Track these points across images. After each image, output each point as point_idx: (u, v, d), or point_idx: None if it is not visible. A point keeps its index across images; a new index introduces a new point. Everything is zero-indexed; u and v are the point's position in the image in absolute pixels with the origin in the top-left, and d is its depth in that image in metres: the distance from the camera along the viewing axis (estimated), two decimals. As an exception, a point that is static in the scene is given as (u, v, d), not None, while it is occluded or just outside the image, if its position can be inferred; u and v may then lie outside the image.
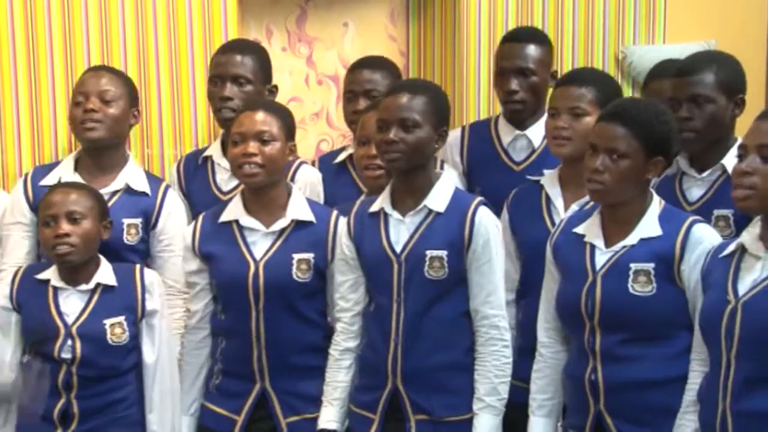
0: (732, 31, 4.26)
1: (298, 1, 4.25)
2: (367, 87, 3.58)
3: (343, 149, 3.67)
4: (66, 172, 3.39)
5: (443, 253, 2.95)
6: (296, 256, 3.11)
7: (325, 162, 3.64)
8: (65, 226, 3.05)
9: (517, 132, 3.54)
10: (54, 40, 3.68)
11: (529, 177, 3.34)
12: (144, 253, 3.42)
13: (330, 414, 3.08)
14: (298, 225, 3.15)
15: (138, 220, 3.38)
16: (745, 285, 2.58)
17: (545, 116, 3.44)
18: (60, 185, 3.22)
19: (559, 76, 3.50)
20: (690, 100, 3.05)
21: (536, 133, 3.49)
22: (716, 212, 3.01)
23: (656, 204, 2.83)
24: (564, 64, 4.21)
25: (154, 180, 3.51)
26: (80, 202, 3.10)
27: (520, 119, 3.53)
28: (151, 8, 3.77)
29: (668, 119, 2.84)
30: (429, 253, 2.95)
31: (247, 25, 4.16)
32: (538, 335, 3.00)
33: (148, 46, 3.78)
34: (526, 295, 3.19)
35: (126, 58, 3.75)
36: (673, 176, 3.18)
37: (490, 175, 3.52)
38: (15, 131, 3.69)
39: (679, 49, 4.12)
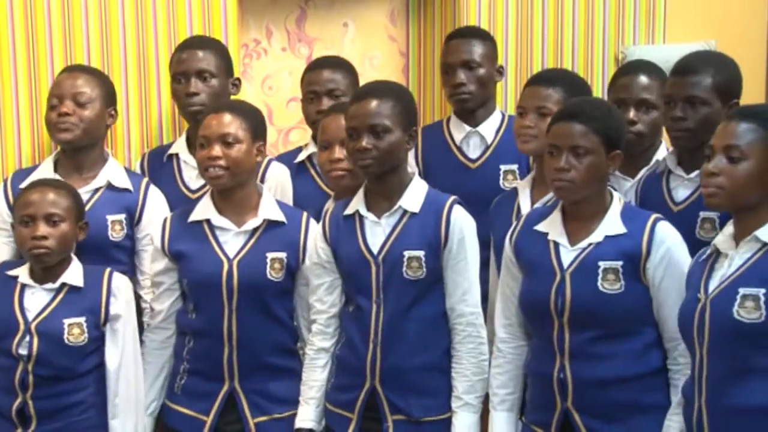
0: (732, 31, 4.27)
1: (298, 1, 4.25)
2: (329, 86, 3.59)
3: (300, 149, 3.68)
4: (46, 173, 3.38)
5: (421, 253, 2.96)
6: (270, 255, 3.12)
7: (283, 161, 3.62)
8: (43, 228, 3.05)
9: (469, 129, 3.60)
10: (54, 40, 3.68)
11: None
12: (130, 250, 3.42)
13: (306, 413, 3.10)
14: (270, 225, 3.16)
15: (122, 216, 3.38)
16: (714, 283, 2.63)
17: (496, 113, 3.58)
18: (38, 183, 3.19)
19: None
20: (685, 100, 3.05)
21: (488, 129, 3.58)
22: (702, 214, 3.02)
23: (617, 201, 2.87)
24: (564, 64, 4.21)
25: (135, 176, 3.51)
26: (59, 203, 3.09)
27: (468, 111, 3.60)
28: (151, 8, 3.77)
29: (618, 114, 2.95)
30: (407, 253, 2.97)
31: (247, 25, 4.17)
32: (496, 331, 3.02)
33: (148, 46, 3.77)
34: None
35: (126, 58, 3.75)
36: (660, 174, 3.19)
37: (445, 174, 3.55)
38: (15, 131, 3.69)
39: (679, 49, 4.13)
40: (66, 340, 3.06)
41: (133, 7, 3.75)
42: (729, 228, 2.68)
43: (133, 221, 3.41)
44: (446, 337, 3.03)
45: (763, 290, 2.52)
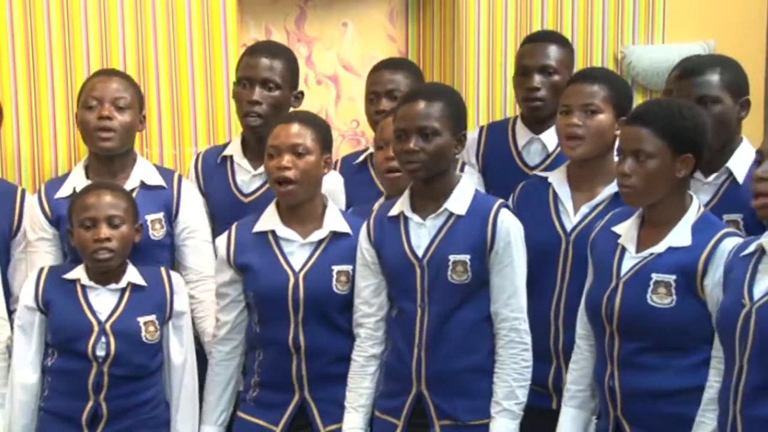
0: (731, 31, 4.26)
1: (297, 1, 4.25)
2: (389, 87, 3.56)
3: (365, 150, 3.66)
4: (78, 181, 3.36)
5: (466, 257, 2.92)
6: (335, 268, 3.09)
7: (346, 162, 3.63)
8: (106, 231, 3.07)
9: (532, 135, 3.54)
10: (53, 40, 3.67)
11: (536, 173, 3.34)
12: (170, 248, 3.41)
13: (355, 420, 3.06)
14: (335, 236, 3.12)
15: (160, 215, 3.37)
16: (760, 289, 2.54)
17: None
18: (94, 186, 3.19)
19: None
20: (697, 101, 3.01)
21: (551, 137, 3.48)
22: (725, 217, 2.95)
23: (694, 210, 2.78)
24: (563, 64, 4.21)
25: (166, 172, 3.49)
26: (119, 205, 3.11)
27: (538, 119, 3.53)
28: (150, 8, 3.76)
29: (693, 115, 2.79)
30: (452, 257, 2.92)
31: (246, 25, 4.16)
32: (577, 327, 2.97)
33: (147, 46, 3.77)
34: (528, 297, 3.06)
35: (125, 58, 3.74)
36: None
37: (503, 177, 3.50)
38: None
39: (678, 49, 4.13)
40: (144, 338, 3.10)
41: (132, 7, 3.74)
42: None
43: (171, 217, 3.40)
44: (490, 339, 2.98)
45: None
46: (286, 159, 3.04)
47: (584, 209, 3.13)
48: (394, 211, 3.03)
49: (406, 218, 3.00)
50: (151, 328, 3.12)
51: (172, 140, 3.82)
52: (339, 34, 4.30)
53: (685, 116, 2.76)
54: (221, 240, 3.19)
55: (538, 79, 3.48)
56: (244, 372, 3.23)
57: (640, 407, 2.75)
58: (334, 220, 3.13)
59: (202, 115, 3.85)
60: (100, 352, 3.06)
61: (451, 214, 2.96)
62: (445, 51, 4.24)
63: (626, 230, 2.84)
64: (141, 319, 3.11)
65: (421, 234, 2.98)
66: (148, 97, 3.75)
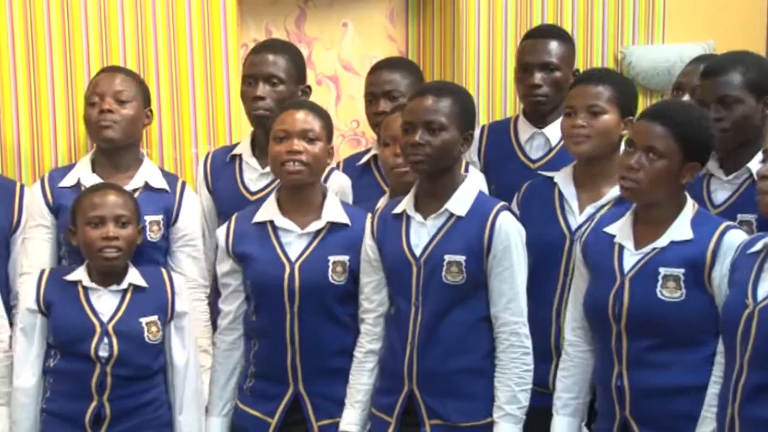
0: (731, 32, 4.26)
1: (297, 2, 4.25)
2: (386, 88, 3.54)
3: (367, 151, 3.65)
4: (84, 172, 3.38)
5: (461, 258, 2.92)
6: (332, 258, 3.09)
7: (349, 164, 3.63)
8: (114, 229, 3.07)
9: (535, 130, 3.54)
10: (53, 40, 3.67)
11: (541, 173, 3.34)
12: (166, 251, 3.43)
13: (351, 416, 3.07)
14: (334, 227, 3.12)
15: (159, 217, 3.38)
16: (764, 289, 2.53)
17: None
18: (100, 186, 3.21)
19: None
20: (718, 101, 3.01)
21: (554, 131, 3.48)
22: (740, 216, 2.96)
23: (690, 208, 2.79)
24: (563, 64, 4.21)
25: (171, 177, 3.51)
26: (126, 205, 3.12)
27: (540, 114, 3.53)
28: (150, 8, 3.76)
29: (709, 126, 2.81)
30: (447, 257, 2.92)
31: (246, 25, 4.16)
32: (565, 334, 2.98)
33: (148, 46, 3.77)
34: (530, 296, 3.06)
35: (125, 58, 3.74)
36: (701, 178, 3.12)
37: (505, 172, 3.51)
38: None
39: (678, 50, 4.14)
40: (146, 339, 3.10)
41: (132, 7, 3.74)
42: None
43: (170, 222, 3.42)
44: (488, 340, 2.97)
45: None
46: (297, 143, 3.04)
47: (590, 209, 3.12)
48: (398, 210, 3.04)
49: (408, 217, 3.01)
50: (154, 329, 3.12)
51: (172, 141, 3.82)
52: (339, 35, 4.31)
53: (703, 125, 2.77)
54: (221, 230, 3.21)
55: (539, 76, 3.48)
56: None
57: (650, 406, 2.74)
58: (333, 211, 3.13)
59: (202, 116, 3.85)
60: (103, 353, 3.06)
61: (452, 214, 2.97)
62: (445, 51, 4.24)
63: (620, 229, 2.84)
64: (143, 320, 3.11)
65: (421, 233, 2.99)
66: (148, 97, 3.77)
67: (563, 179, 3.20)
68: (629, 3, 4.27)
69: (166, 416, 3.19)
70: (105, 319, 3.09)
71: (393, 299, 3.04)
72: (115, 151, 3.40)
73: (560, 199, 3.18)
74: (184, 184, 3.49)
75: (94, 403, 3.07)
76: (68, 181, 3.37)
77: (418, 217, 2.99)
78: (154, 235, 3.36)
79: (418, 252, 2.97)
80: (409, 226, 3.00)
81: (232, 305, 3.19)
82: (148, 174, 3.42)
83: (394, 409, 3.00)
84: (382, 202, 3.23)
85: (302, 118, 3.08)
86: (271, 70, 3.45)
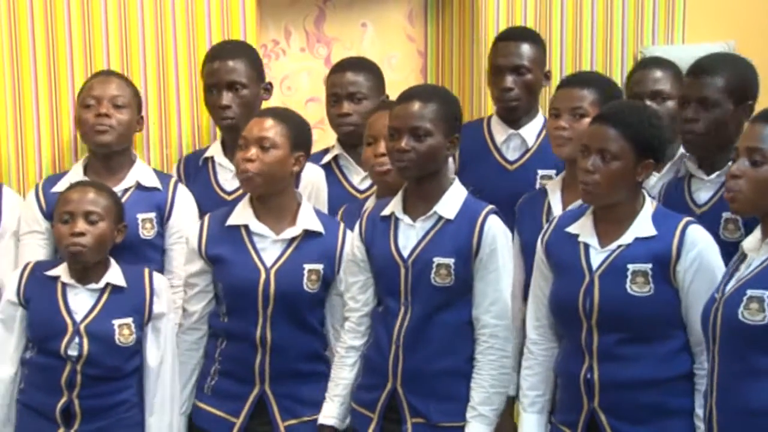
0: (751, 31, 4.25)
1: (316, 2, 4.26)
2: (351, 89, 3.58)
3: (326, 151, 3.68)
4: (76, 178, 3.40)
5: (450, 260, 2.95)
6: (307, 267, 3.13)
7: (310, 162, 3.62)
8: (81, 225, 3.08)
9: (511, 131, 3.56)
10: (74, 42, 3.70)
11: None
12: (162, 249, 3.45)
13: (330, 410, 3.11)
14: (308, 235, 3.16)
15: (152, 215, 3.41)
16: (731, 283, 2.61)
17: (539, 116, 3.52)
18: (80, 183, 3.24)
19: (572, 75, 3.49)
20: (698, 101, 3.04)
21: (530, 132, 3.52)
22: (725, 215, 2.98)
23: (648, 205, 2.84)
24: (583, 65, 4.21)
25: (163, 176, 3.55)
26: (98, 202, 3.13)
27: (513, 117, 3.55)
28: (170, 9, 3.78)
29: (660, 123, 2.86)
30: (436, 260, 2.95)
31: (265, 25, 4.18)
32: (527, 333, 3.00)
33: (167, 47, 3.79)
34: (526, 300, 3.12)
35: (145, 59, 3.76)
36: (682, 179, 3.17)
37: (482, 173, 3.52)
38: (35, 137, 3.70)
39: (698, 49, 4.11)
40: (117, 341, 3.11)
41: (152, 8, 3.76)
42: (759, 230, 2.64)
43: (163, 219, 3.44)
44: (472, 344, 3.01)
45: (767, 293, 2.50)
46: (252, 151, 3.08)
47: (571, 207, 3.11)
48: (386, 211, 3.07)
49: (396, 219, 3.04)
50: (126, 332, 3.12)
51: (191, 142, 3.83)
52: (358, 35, 4.32)
53: (654, 124, 2.82)
54: (193, 230, 3.23)
55: (510, 79, 3.50)
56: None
57: (619, 398, 2.79)
58: (308, 219, 3.17)
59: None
60: (73, 352, 3.07)
61: (441, 217, 2.99)
62: (464, 51, 4.24)
63: (582, 228, 2.88)
64: (116, 322, 3.11)
65: (410, 235, 3.01)
66: (168, 99, 3.79)
67: (552, 186, 3.22)
68: (649, 3, 4.26)
69: (138, 417, 3.19)
70: (78, 318, 3.11)
71: (381, 299, 3.07)
72: (109, 155, 3.44)
73: (548, 205, 3.20)
74: (177, 182, 3.52)
75: (63, 399, 3.09)
76: (60, 186, 3.37)
77: (406, 219, 3.02)
78: (147, 232, 3.40)
79: (405, 253, 3.00)
80: (397, 228, 3.03)
81: (197, 306, 3.22)
82: (139, 173, 3.46)
83: (376, 406, 3.03)
84: (370, 203, 3.27)
85: (261, 126, 3.12)
86: (233, 77, 3.51)
